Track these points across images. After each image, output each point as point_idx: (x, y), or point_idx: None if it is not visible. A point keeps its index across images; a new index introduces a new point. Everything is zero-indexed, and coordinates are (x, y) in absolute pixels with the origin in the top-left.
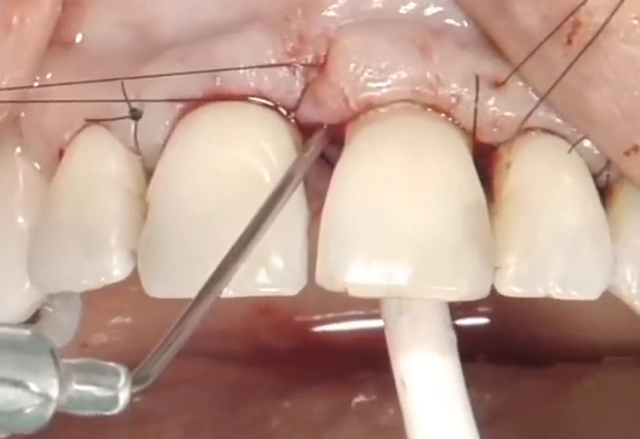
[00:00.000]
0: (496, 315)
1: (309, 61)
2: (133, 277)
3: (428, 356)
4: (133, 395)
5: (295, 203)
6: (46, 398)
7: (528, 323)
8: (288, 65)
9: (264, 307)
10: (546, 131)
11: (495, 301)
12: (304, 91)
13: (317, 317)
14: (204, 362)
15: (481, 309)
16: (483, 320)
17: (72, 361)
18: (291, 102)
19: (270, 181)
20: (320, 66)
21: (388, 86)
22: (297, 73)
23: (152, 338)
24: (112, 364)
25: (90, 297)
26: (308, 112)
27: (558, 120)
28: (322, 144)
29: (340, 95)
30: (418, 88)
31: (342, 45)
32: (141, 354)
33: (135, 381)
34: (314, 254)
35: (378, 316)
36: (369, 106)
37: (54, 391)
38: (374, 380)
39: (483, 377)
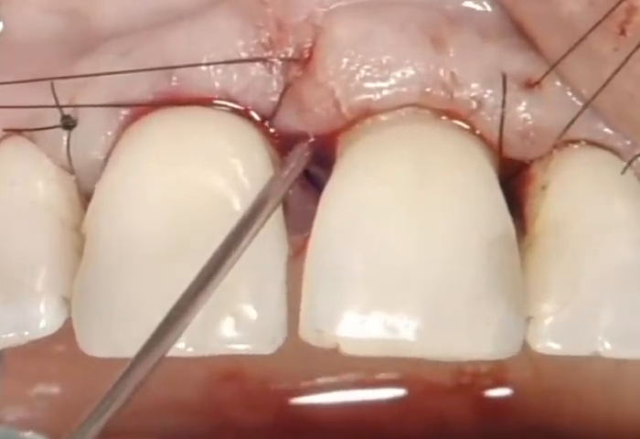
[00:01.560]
0: (530, 383)
1: (290, 55)
2: (62, 332)
3: None
4: None
5: (272, 236)
6: None
7: (572, 393)
8: (263, 60)
9: (230, 372)
10: (592, 144)
11: (526, 364)
12: (283, 94)
13: (298, 386)
14: None
15: (512, 374)
16: (511, 391)
17: None
18: (267, 108)
19: (241, 208)
20: (304, 61)
21: (390, 87)
22: (275, 70)
23: (83, 413)
24: (29, 434)
25: (3, 359)
26: (289, 120)
27: (607, 130)
28: (305, 160)
29: (330, 98)
30: (428, 89)
31: (332, 34)
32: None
33: None
34: (296, 302)
35: (377, 384)
36: (367, 112)
37: None
38: None
39: None
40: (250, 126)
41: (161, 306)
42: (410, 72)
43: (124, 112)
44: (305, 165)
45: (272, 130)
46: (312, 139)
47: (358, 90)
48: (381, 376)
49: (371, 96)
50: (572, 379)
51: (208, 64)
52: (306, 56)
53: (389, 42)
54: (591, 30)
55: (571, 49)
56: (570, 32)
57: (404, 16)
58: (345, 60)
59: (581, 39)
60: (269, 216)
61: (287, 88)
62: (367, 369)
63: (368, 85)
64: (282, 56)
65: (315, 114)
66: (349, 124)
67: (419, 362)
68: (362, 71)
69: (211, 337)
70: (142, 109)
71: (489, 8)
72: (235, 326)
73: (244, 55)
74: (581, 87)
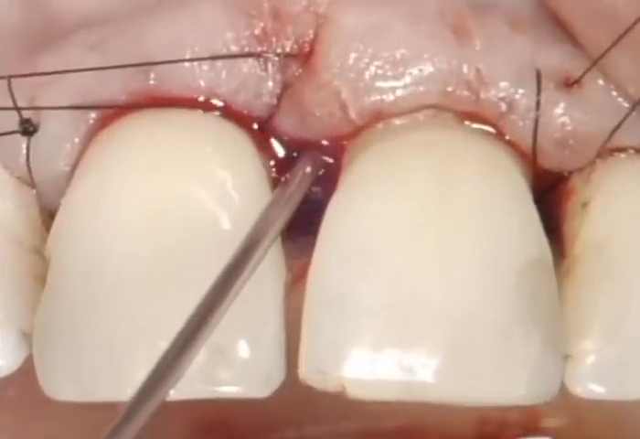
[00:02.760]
0: (568, 434)
1: (288, 50)
2: (17, 373)
3: None
4: None
5: (268, 261)
6: None
7: None
8: (257, 55)
9: (213, 422)
10: None
11: (564, 410)
12: (281, 95)
13: (293, 437)
14: None
15: (546, 424)
16: None
17: None
18: (261, 111)
19: (230, 227)
20: (305, 57)
21: (405, 86)
22: (271, 68)
23: None
24: None
25: None
26: (288, 126)
27: None
28: (311, 177)
29: (335, 101)
30: (450, 88)
31: (337, 25)
32: None
33: None
34: (295, 338)
35: (385, 435)
36: (378, 116)
37: None
38: None
39: None
40: (242, 132)
41: (139, 342)
42: (428, 69)
43: (94, 115)
44: (311, 182)
45: (268, 137)
46: (318, 155)
47: (368, 90)
48: (391, 424)
49: (383, 97)
50: (618, 429)
51: (191, 60)
52: (307, 50)
53: (404, 33)
54: (637, 21)
55: (615, 43)
56: (614, 23)
57: (421, 3)
58: (352, 56)
59: (627, 31)
60: (270, 245)
61: (286, 88)
62: (373, 417)
63: (380, 84)
64: (279, 50)
65: (319, 119)
66: (358, 130)
67: (436, 408)
68: (372, 68)
69: (196, 378)
70: (114, 112)
71: None
72: (225, 366)
73: (234, 49)
74: (628, 85)
